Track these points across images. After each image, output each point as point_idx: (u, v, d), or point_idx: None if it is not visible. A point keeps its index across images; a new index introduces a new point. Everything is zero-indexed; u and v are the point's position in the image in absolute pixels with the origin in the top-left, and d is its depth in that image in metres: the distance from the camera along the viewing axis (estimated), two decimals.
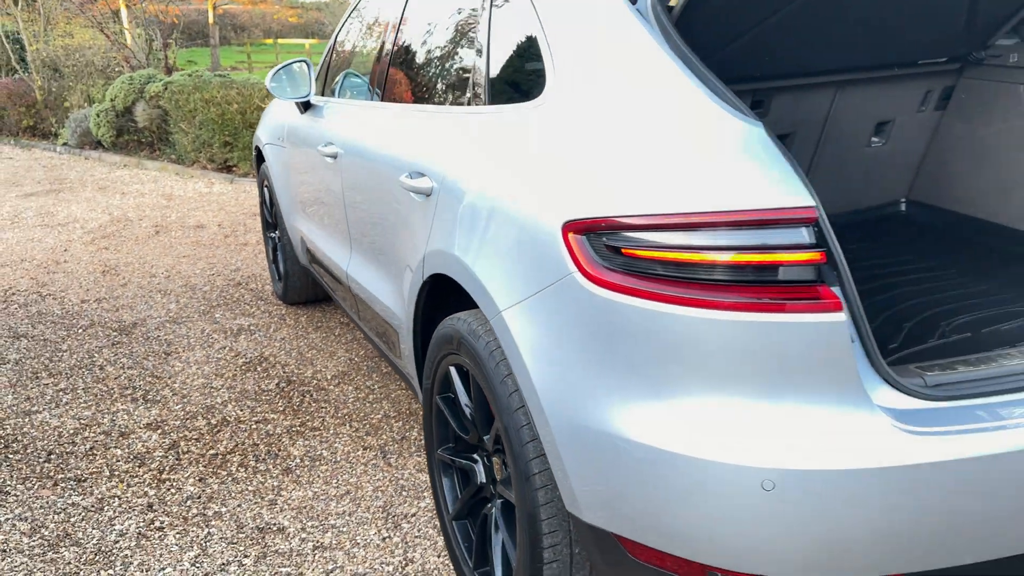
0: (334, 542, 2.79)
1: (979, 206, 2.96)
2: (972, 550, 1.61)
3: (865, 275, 2.68)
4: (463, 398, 2.38)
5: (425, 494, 3.03)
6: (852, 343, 1.56)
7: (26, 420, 3.70)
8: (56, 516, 2.99)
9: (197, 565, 2.70)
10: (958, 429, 1.58)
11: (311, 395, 3.86)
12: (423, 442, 3.36)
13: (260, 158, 4.98)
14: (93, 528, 2.91)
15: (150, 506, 3.03)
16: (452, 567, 2.61)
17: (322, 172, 3.62)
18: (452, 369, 2.41)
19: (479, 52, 2.49)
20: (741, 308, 1.55)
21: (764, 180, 1.58)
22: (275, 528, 2.87)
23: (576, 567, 2.00)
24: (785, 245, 1.54)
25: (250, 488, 3.12)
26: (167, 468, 3.28)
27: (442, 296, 2.48)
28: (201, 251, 6.29)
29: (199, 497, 3.07)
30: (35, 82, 11.88)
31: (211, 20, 24.87)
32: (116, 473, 3.25)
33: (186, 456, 3.36)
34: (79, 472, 3.27)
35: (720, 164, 1.63)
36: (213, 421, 3.64)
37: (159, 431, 3.57)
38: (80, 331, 4.73)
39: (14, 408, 3.81)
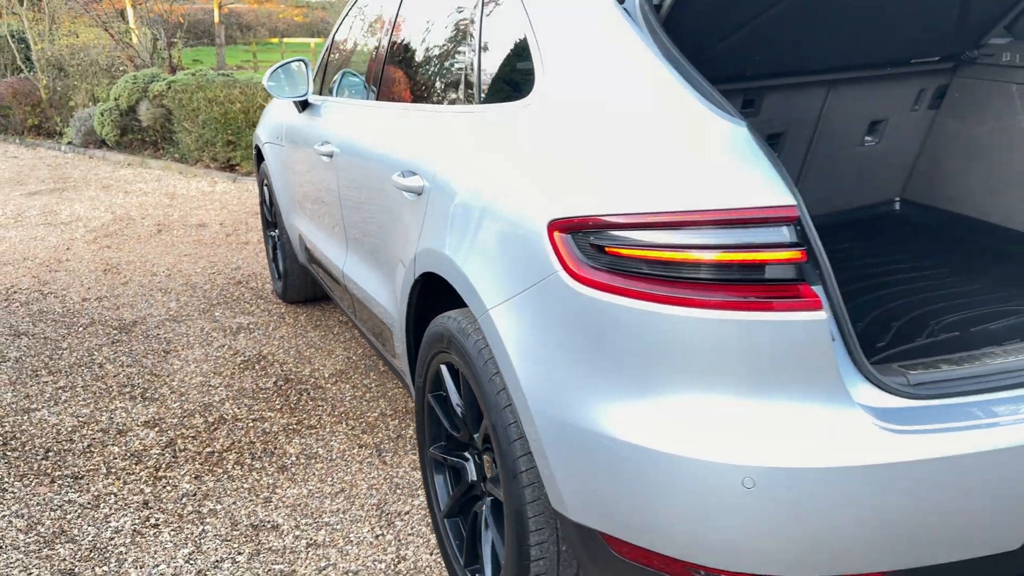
0: (328, 540, 2.80)
1: (973, 205, 2.95)
2: (954, 548, 1.61)
3: (857, 274, 2.69)
4: (454, 396, 2.39)
5: (419, 492, 3.04)
6: (833, 342, 1.56)
7: (25, 418, 3.72)
8: (52, 513, 3.00)
9: (191, 562, 2.72)
10: (940, 427, 1.59)
11: (308, 393, 3.87)
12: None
13: (260, 157, 5.00)
14: (89, 525, 2.93)
15: (146, 503, 3.04)
16: (444, 565, 2.62)
17: (319, 171, 3.63)
18: (443, 367, 2.41)
19: (471, 51, 2.50)
20: (722, 306, 1.55)
21: (746, 179, 1.58)
22: (269, 525, 2.89)
23: (563, 565, 2.01)
24: (766, 244, 1.54)
25: (245, 486, 3.13)
26: (163, 466, 3.29)
27: (434, 295, 2.49)
28: (202, 250, 6.31)
29: (194, 494, 3.09)
30: (40, 81, 11.93)
31: (217, 19, 24.95)
32: (113, 470, 3.27)
33: (183, 454, 3.38)
34: (76, 469, 3.29)
35: (703, 163, 1.64)
36: (210, 419, 3.65)
37: (156, 429, 3.58)
38: (80, 329, 4.75)
39: (13, 406, 3.83)
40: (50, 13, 12.84)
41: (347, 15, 4.02)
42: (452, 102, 2.59)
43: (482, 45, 2.43)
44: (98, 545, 2.82)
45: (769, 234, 1.54)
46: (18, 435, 3.56)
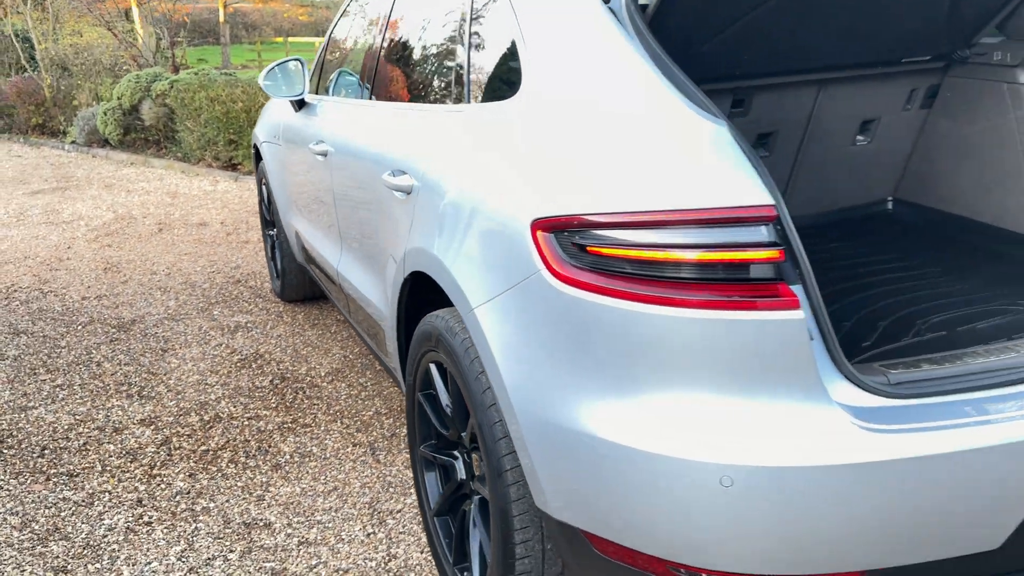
0: (319, 538, 2.81)
1: (964, 205, 2.95)
2: (934, 547, 1.61)
3: (846, 274, 2.69)
4: (443, 395, 2.39)
5: (412, 491, 3.05)
6: (812, 341, 1.56)
7: (22, 416, 3.73)
8: (47, 511, 3.02)
9: (183, 559, 2.73)
10: (920, 427, 1.59)
11: (304, 392, 3.88)
12: None
13: (259, 156, 5.01)
14: (82, 523, 2.94)
15: (139, 501, 3.06)
16: (434, 563, 2.63)
17: (314, 170, 3.65)
18: (432, 366, 2.42)
19: (460, 50, 2.50)
20: (701, 306, 1.56)
21: (725, 179, 1.59)
22: (261, 523, 2.90)
23: (548, 563, 2.01)
24: (744, 243, 1.54)
25: (239, 484, 3.14)
26: (158, 464, 3.31)
27: (424, 294, 2.50)
28: (203, 249, 6.33)
29: (188, 492, 3.10)
30: (44, 80, 11.97)
31: (222, 19, 24.97)
32: (108, 468, 3.29)
33: (178, 452, 3.39)
34: (71, 467, 3.30)
35: (683, 163, 1.64)
36: (206, 417, 3.67)
37: (152, 427, 3.60)
38: (79, 328, 4.77)
39: (11, 404, 3.85)
40: (54, 12, 12.88)
41: (343, 14, 4.03)
42: (441, 101, 2.59)
43: (471, 44, 2.44)
44: (91, 543, 2.83)
45: (747, 233, 1.55)
46: (15, 433, 3.58)
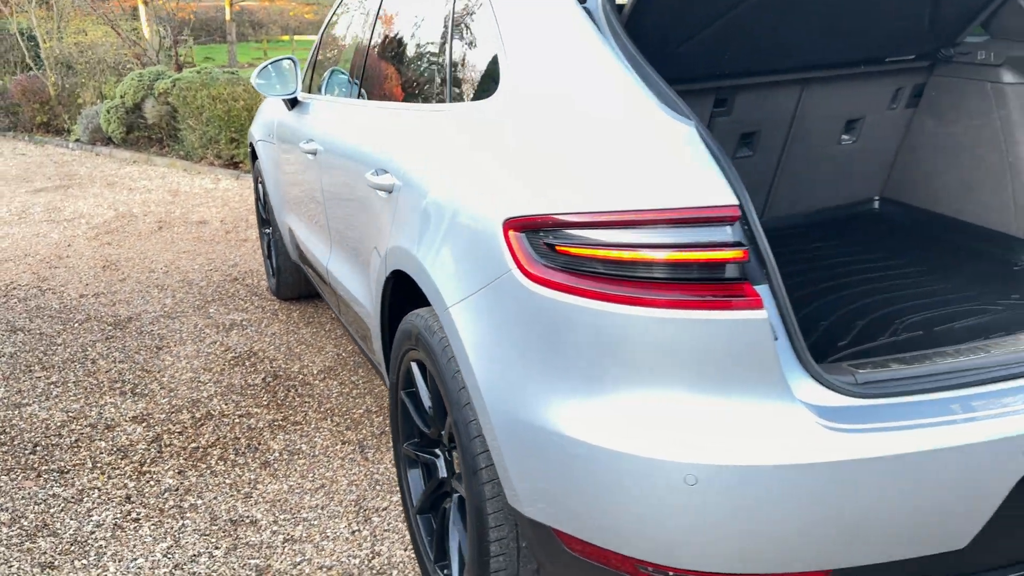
0: (304, 535, 2.83)
1: (950, 204, 2.95)
2: (900, 546, 1.62)
3: (829, 273, 2.69)
4: (424, 393, 2.41)
5: (398, 488, 3.06)
6: (776, 340, 1.57)
7: (15, 412, 3.76)
8: (36, 507, 3.04)
9: (169, 556, 2.75)
10: (885, 426, 1.59)
11: (296, 390, 3.90)
12: None
13: (255, 155, 5.03)
14: (71, 519, 2.96)
15: (128, 498, 3.08)
16: (416, 561, 2.64)
17: (305, 169, 3.66)
18: (414, 364, 2.43)
19: (443, 51, 2.51)
20: (666, 305, 1.56)
21: (691, 179, 1.59)
22: (248, 520, 2.92)
23: (523, 560, 2.02)
24: (708, 243, 1.55)
25: (227, 481, 3.16)
26: (148, 461, 3.33)
27: (407, 293, 2.51)
28: (201, 247, 6.35)
29: (177, 489, 3.12)
30: (49, 79, 12.01)
31: (228, 17, 25.02)
32: (98, 465, 3.31)
33: (168, 449, 3.41)
34: (63, 464, 3.33)
35: (649, 163, 1.65)
36: (197, 415, 3.69)
37: (144, 424, 3.62)
38: (76, 325, 4.79)
39: (5, 400, 3.87)
40: (58, 11, 12.92)
41: (335, 13, 4.04)
42: (425, 100, 2.60)
43: (453, 44, 2.45)
44: (79, 539, 2.85)
45: (711, 233, 1.55)
46: (8, 430, 3.60)
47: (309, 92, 4.01)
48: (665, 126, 1.67)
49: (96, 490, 3.14)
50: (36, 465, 3.32)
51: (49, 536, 2.87)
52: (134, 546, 2.80)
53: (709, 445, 1.55)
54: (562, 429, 1.71)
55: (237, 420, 3.62)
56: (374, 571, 2.64)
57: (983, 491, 1.61)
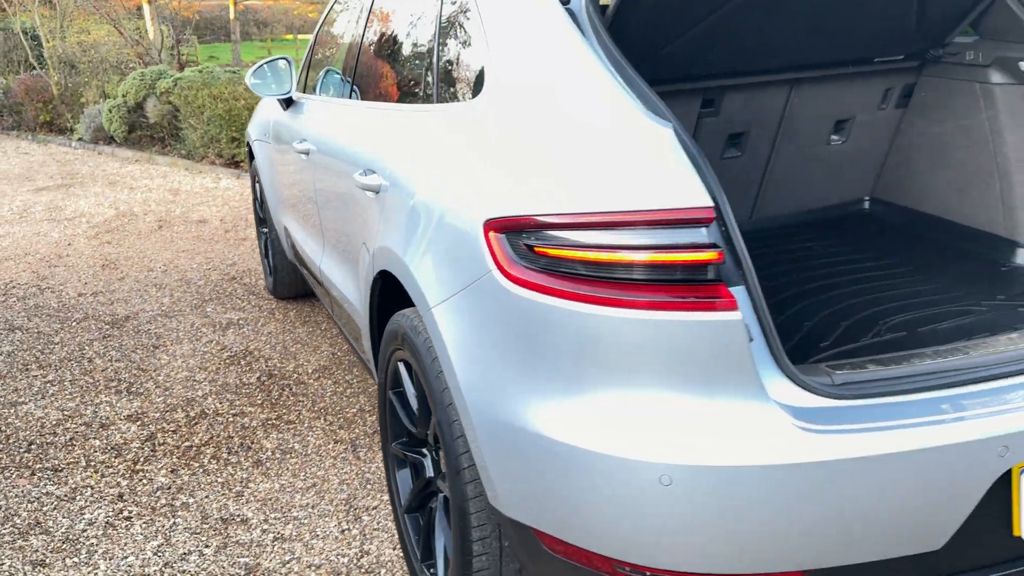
0: (294, 533, 2.84)
1: (939, 204, 2.95)
2: (876, 547, 1.62)
3: (816, 273, 2.69)
4: (410, 393, 2.42)
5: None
6: (751, 341, 1.57)
7: (11, 411, 3.78)
8: (29, 505, 3.06)
9: (159, 554, 2.76)
10: (861, 427, 1.60)
11: (290, 388, 3.91)
12: None
13: (252, 154, 5.04)
14: (64, 517, 2.98)
15: (120, 496, 3.09)
16: (404, 560, 2.65)
17: (298, 169, 3.67)
18: (400, 364, 2.44)
19: (430, 52, 2.52)
20: (642, 306, 1.57)
21: (666, 181, 1.60)
22: (239, 519, 2.93)
23: (506, 560, 2.03)
24: (683, 245, 1.56)
25: (219, 480, 3.17)
26: (142, 459, 3.34)
27: (395, 293, 2.52)
28: (200, 246, 6.37)
29: (169, 488, 3.13)
30: (52, 78, 12.04)
31: (232, 16, 25.05)
32: (92, 463, 3.33)
33: (161, 448, 3.43)
34: (57, 462, 3.35)
35: (626, 165, 1.66)
36: (192, 413, 3.70)
37: (138, 423, 3.64)
38: (74, 324, 4.81)
39: (1, 399, 3.89)
40: (61, 10, 12.96)
41: (329, 12, 4.05)
42: (410, 101, 2.61)
43: (440, 46, 2.46)
44: (71, 537, 2.87)
45: (686, 235, 1.56)
46: (3, 428, 3.62)
47: (304, 92, 4.02)
48: (643, 128, 1.68)
49: (89, 488, 3.15)
50: (30, 463, 3.34)
51: (41, 534, 2.89)
52: (125, 544, 2.82)
53: (684, 446, 1.56)
54: (541, 430, 1.72)
55: (231, 419, 3.63)
56: (362, 570, 2.65)
57: (959, 492, 1.62)
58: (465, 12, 2.32)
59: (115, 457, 3.37)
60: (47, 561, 2.75)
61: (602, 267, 1.60)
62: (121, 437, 3.52)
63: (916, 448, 1.59)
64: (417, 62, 2.61)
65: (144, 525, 2.92)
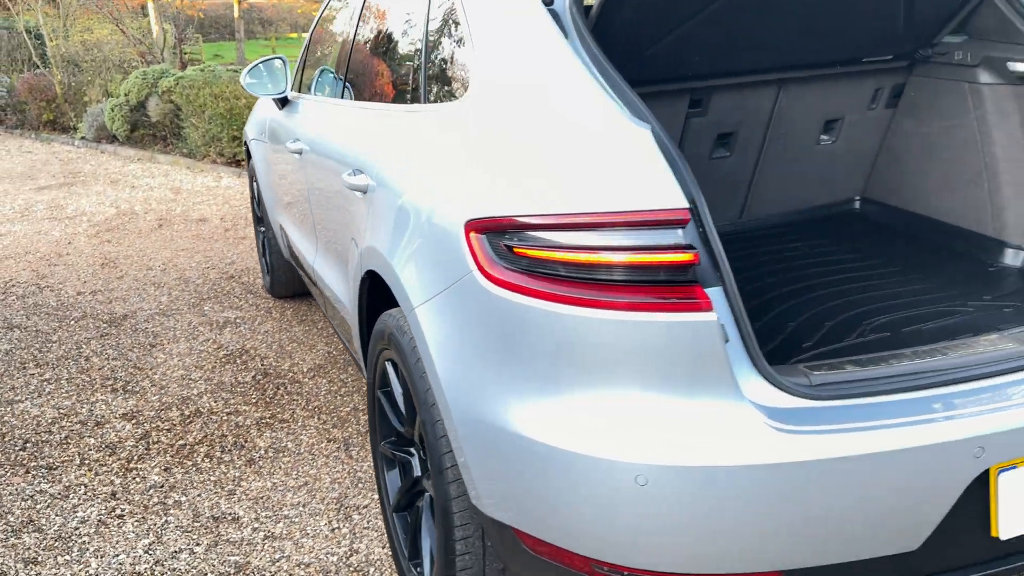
0: (285, 532, 2.85)
1: (929, 204, 2.95)
2: (850, 548, 1.63)
3: (803, 273, 2.69)
4: (398, 392, 2.43)
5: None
6: (727, 343, 1.58)
7: (8, 409, 3.80)
8: (23, 503, 3.08)
9: (150, 552, 2.78)
10: (837, 428, 1.60)
11: (285, 387, 3.92)
12: None
13: (250, 153, 5.05)
14: (56, 515, 3.00)
15: (113, 494, 3.11)
16: (393, 558, 2.66)
17: (292, 168, 3.69)
18: (388, 364, 2.45)
19: (417, 52, 2.53)
20: (617, 307, 1.58)
21: (642, 182, 1.61)
22: (230, 517, 2.94)
23: (489, 559, 2.04)
24: (658, 246, 1.56)
25: (212, 478, 3.19)
26: (136, 457, 3.36)
27: (382, 293, 2.53)
28: (200, 244, 6.39)
29: (162, 486, 3.15)
30: (55, 77, 12.08)
31: (237, 14, 25.08)
32: (86, 462, 3.34)
33: (155, 446, 3.44)
34: (51, 460, 3.36)
35: (604, 167, 1.66)
36: (187, 412, 3.72)
37: (133, 421, 3.65)
38: (72, 323, 4.83)
39: None
40: (64, 9, 12.99)
41: (323, 12, 4.06)
42: (398, 101, 2.62)
43: (426, 46, 2.47)
44: (63, 535, 2.89)
45: (662, 236, 1.57)
46: None
47: (299, 91, 4.03)
48: (622, 129, 1.69)
49: (83, 486, 3.17)
50: (25, 462, 3.36)
51: (34, 532, 2.91)
52: (117, 542, 2.83)
53: (659, 446, 1.57)
54: (520, 430, 1.72)
55: (225, 417, 3.65)
56: (351, 568, 2.66)
57: (935, 493, 1.62)
58: (451, 13, 2.33)
59: (109, 455, 3.38)
60: (39, 559, 2.77)
61: (578, 268, 1.61)
62: (116, 435, 3.54)
63: (892, 449, 1.59)
64: (404, 62, 2.62)
65: (136, 523, 2.93)
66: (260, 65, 4.07)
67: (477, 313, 1.80)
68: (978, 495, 1.66)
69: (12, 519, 2.98)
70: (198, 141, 9.44)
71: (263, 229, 5.06)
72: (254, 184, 5.07)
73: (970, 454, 1.62)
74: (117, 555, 2.77)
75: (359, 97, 3.03)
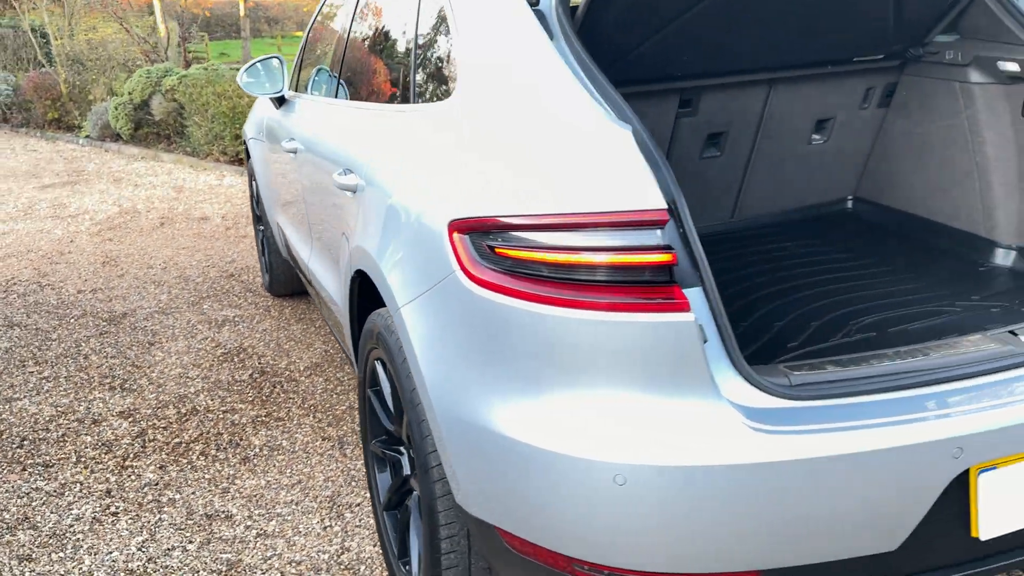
0: (277, 530, 2.87)
1: (920, 204, 2.94)
2: (829, 548, 1.63)
3: (792, 273, 2.69)
4: (387, 391, 2.44)
5: None
6: (706, 343, 1.59)
7: (6, 407, 3.82)
8: (19, 500, 3.10)
9: (143, 549, 2.79)
10: (816, 428, 1.60)
11: (282, 386, 3.94)
12: None
13: (249, 153, 5.07)
14: (52, 512, 3.02)
15: (108, 492, 3.13)
16: (383, 556, 2.67)
17: (288, 168, 3.70)
18: (377, 363, 2.46)
19: (407, 53, 2.54)
20: (596, 308, 1.58)
21: (622, 183, 1.61)
22: (223, 515, 2.96)
23: (474, 558, 2.05)
24: (637, 247, 1.57)
25: (206, 476, 3.20)
26: (131, 455, 3.38)
27: (372, 293, 2.54)
28: (201, 243, 6.41)
29: (157, 484, 3.17)
30: (60, 76, 12.13)
31: (242, 13, 25.13)
32: (83, 459, 3.36)
33: (151, 444, 3.46)
34: (48, 458, 3.38)
35: (585, 167, 1.67)
36: (183, 410, 3.73)
37: (130, 419, 3.67)
38: (72, 321, 4.86)
39: None
40: (69, 8, 13.04)
41: (319, 11, 4.07)
42: (388, 101, 2.63)
43: (415, 47, 2.47)
44: (57, 532, 2.90)
45: (641, 237, 1.57)
46: None
47: (296, 90, 4.04)
48: (603, 130, 1.69)
49: (78, 484, 3.19)
50: (22, 459, 3.38)
51: (29, 529, 2.93)
52: (110, 540, 2.85)
53: (636, 446, 1.57)
54: (502, 429, 1.73)
55: (221, 416, 3.67)
56: (342, 566, 2.68)
57: (914, 494, 1.62)
58: (439, 13, 2.34)
59: (105, 453, 3.40)
60: (33, 556, 2.79)
61: (558, 268, 1.62)
62: (112, 433, 3.56)
63: (871, 449, 1.59)
64: (394, 62, 2.63)
65: (130, 521, 2.95)
66: (257, 64, 4.08)
67: (460, 313, 1.81)
68: (958, 496, 1.66)
69: (8, 516, 3.00)
70: (201, 140, 9.47)
71: (262, 228, 5.08)
72: (253, 183, 5.09)
73: (949, 454, 1.62)
74: (110, 552, 2.79)
75: (352, 97, 3.04)
